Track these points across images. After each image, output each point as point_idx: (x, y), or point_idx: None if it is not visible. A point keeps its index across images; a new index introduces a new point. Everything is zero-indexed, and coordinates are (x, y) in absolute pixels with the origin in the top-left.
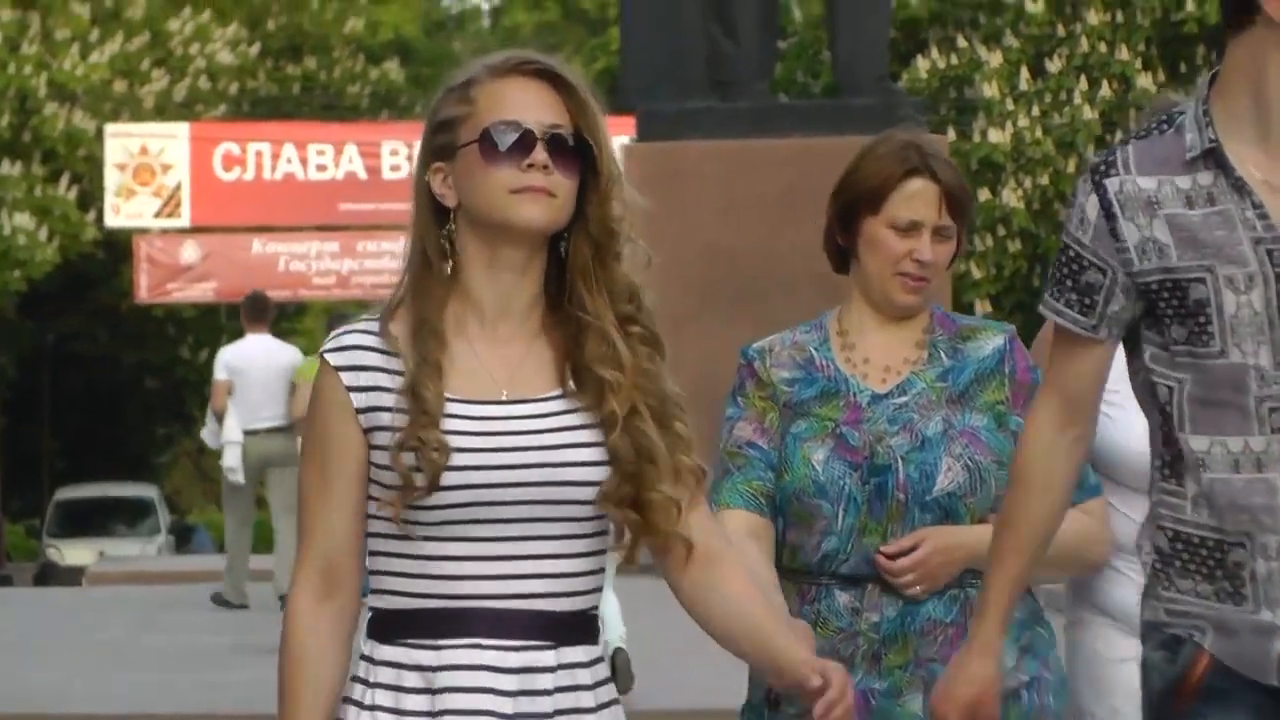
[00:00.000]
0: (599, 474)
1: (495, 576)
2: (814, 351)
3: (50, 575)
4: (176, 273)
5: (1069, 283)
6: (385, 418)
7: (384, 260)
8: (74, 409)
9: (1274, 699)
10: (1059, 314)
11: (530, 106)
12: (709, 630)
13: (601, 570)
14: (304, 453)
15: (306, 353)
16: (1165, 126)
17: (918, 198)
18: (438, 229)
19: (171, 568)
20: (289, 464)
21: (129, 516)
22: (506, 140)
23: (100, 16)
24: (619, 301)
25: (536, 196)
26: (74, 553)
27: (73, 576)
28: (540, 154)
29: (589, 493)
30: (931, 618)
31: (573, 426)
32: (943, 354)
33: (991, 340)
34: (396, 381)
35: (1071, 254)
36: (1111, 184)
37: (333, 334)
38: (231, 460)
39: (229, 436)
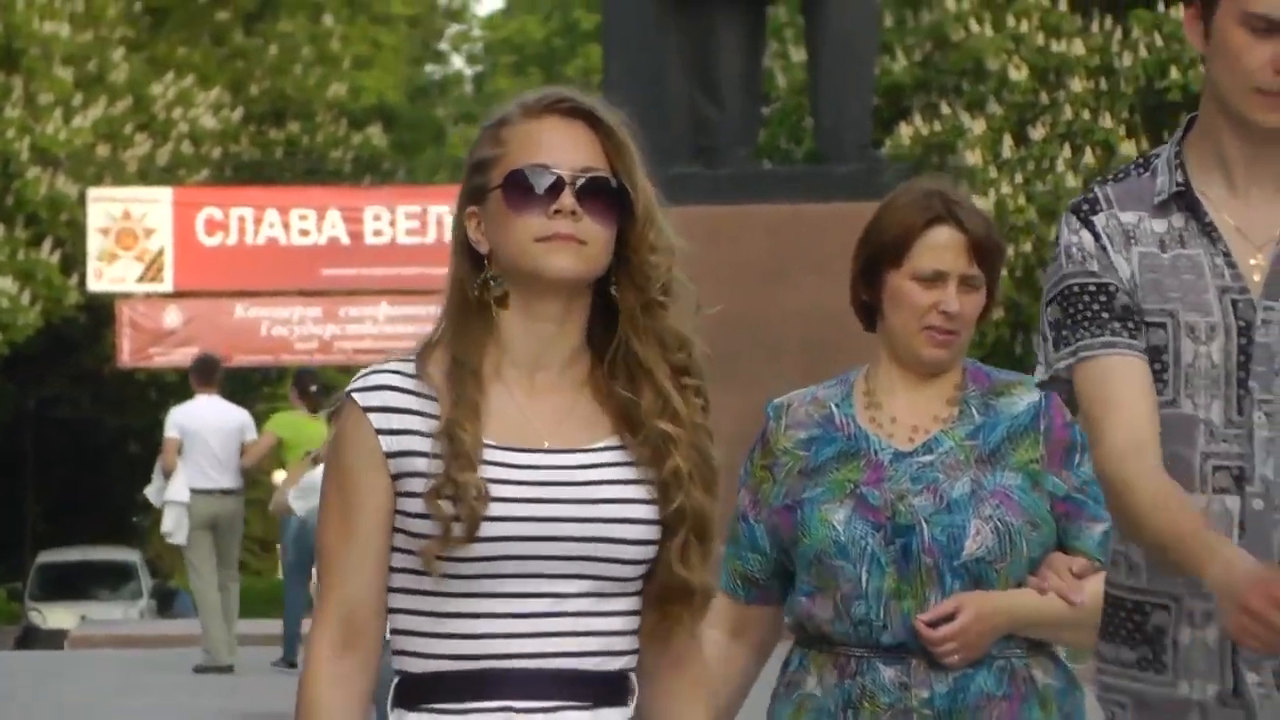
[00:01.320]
0: (647, 532)
1: (528, 635)
2: (834, 408)
3: (33, 639)
4: (159, 337)
5: (1105, 314)
6: (420, 463)
7: (366, 325)
8: (56, 472)
9: None
10: (1112, 346)
11: (562, 148)
12: None
13: (638, 631)
14: (324, 497)
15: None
16: (1141, 170)
17: (942, 247)
18: (474, 274)
19: (154, 631)
20: (234, 529)
21: (111, 580)
22: (533, 185)
23: (83, 81)
24: (671, 351)
25: (565, 244)
26: (56, 616)
27: (55, 640)
28: (568, 200)
29: (636, 550)
30: (984, 691)
31: (622, 480)
32: (974, 411)
33: (1026, 396)
34: (430, 424)
35: (1092, 287)
36: (1099, 220)
37: (360, 373)
38: (169, 524)
39: (172, 496)
